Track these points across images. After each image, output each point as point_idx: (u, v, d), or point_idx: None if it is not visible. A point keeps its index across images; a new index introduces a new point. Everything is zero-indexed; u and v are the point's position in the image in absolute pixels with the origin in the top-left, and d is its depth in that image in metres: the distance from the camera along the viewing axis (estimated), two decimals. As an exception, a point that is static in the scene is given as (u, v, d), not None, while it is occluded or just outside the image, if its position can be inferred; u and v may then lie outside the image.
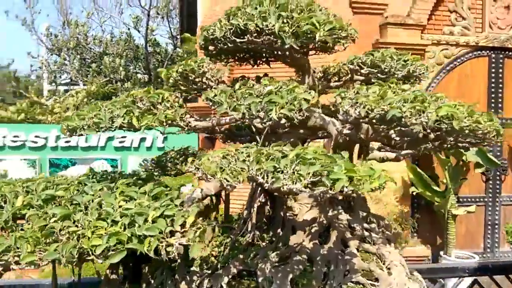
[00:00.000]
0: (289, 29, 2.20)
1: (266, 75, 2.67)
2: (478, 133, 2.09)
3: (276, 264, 2.34)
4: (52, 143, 11.16)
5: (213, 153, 1.77)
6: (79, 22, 22.31)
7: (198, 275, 2.43)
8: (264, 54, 2.81)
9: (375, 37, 9.95)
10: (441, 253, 9.16)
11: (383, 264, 2.49)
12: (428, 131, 1.96)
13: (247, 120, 2.05)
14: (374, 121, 2.26)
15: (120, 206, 1.93)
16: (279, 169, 1.56)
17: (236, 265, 2.40)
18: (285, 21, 2.20)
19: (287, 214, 2.64)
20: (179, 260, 2.47)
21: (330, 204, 2.67)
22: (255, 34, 2.22)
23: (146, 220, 1.86)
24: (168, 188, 2.14)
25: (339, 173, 1.60)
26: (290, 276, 2.27)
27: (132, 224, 1.84)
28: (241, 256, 2.46)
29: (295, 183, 1.52)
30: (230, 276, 2.36)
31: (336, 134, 2.57)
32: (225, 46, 2.52)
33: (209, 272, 2.43)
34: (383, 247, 2.56)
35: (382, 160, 2.85)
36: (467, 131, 2.03)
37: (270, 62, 2.98)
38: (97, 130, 1.99)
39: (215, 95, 2.05)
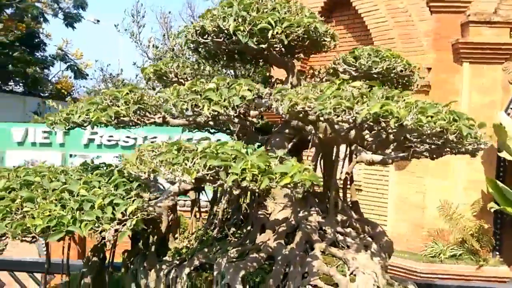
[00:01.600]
0: (245, 28, 2.25)
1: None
2: (436, 132, 1.91)
3: (234, 260, 2.37)
4: (140, 142, 12.28)
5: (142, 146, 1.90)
6: (175, 33, 24.11)
7: (167, 264, 2.58)
8: (248, 56, 2.87)
9: (455, 37, 9.19)
10: (529, 277, 8.06)
11: (348, 270, 2.37)
12: (366, 128, 1.86)
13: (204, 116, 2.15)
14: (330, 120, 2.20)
15: (78, 193, 2.16)
16: (178, 162, 1.64)
17: (200, 258, 2.49)
18: (240, 20, 2.26)
19: (260, 212, 2.66)
20: (152, 249, 2.66)
21: (303, 205, 2.62)
22: (213, 34, 2.31)
23: (93, 207, 2.06)
24: (130, 180, 2.32)
25: (236, 168, 1.62)
26: (242, 272, 2.29)
27: (81, 209, 2.06)
28: (205, 250, 2.55)
29: (184, 175, 1.58)
30: (192, 268, 2.46)
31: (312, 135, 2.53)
32: (205, 48, 2.66)
33: (177, 263, 2.55)
34: (350, 253, 2.43)
35: (369, 162, 2.72)
36: (420, 131, 1.87)
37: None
38: (66, 125, 2.26)
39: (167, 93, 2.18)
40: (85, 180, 2.27)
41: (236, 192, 1.65)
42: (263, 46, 2.62)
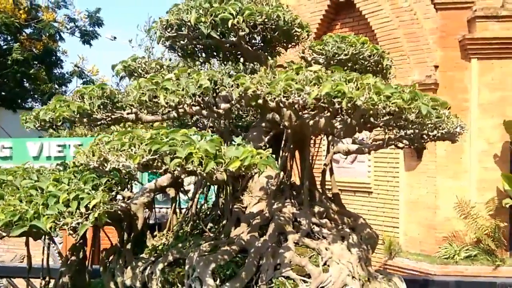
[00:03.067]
0: (206, 19, 2.26)
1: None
2: (395, 112, 1.86)
3: (206, 253, 2.35)
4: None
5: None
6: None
7: (143, 261, 2.58)
8: (223, 51, 2.87)
9: (462, 34, 9.01)
10: (550, 277, 7.70)
11: (321, 260, 2.32)
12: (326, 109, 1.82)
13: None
14: (296, 107, 2.18)
15: (46, 190, 2.18)
16: (123, 148, 1.64)
17: (174, 254, 2.48)
18: (202, 12, 2.27)
19: (235, 206, 2.63)
20: (128, 246, 2.66)
21: (279, 197, 2.59)
22: (176, 27, 2.33)
23: (57, 202, 2.07)
24: (99, 176, 2.33)
25: (181, 152, 1.61)
26: (213, 265, 2.27)
27: (46, 204, 2.08)
28: (179, 245, 2.54)
29: (128, 160, 1.57)
30: (166, 264, 2.45)
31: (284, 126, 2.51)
32: (178, 44, 2.69)
33: (153, 259, 2.55)
34: (323, 243, 2.37)
35: (345, 152, 2.68)
36: (376, 110, 1.83)
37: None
38: (35, 122, 2.30)
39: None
40: (55, 177, 2.30)
41: (183, 176, 1.63)
42: (233, 39, 2.63)
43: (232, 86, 1.92)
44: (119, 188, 2.54)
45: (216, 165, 1.62)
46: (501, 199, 8.25)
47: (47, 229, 1.98)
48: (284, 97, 1.75)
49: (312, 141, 3.15)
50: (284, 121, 2.26)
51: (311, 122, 2.28)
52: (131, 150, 1.61)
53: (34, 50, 17.68)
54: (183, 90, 1.97)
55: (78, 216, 1.99)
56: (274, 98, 1.76)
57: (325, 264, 2.31)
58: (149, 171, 3.21)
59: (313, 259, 2.33)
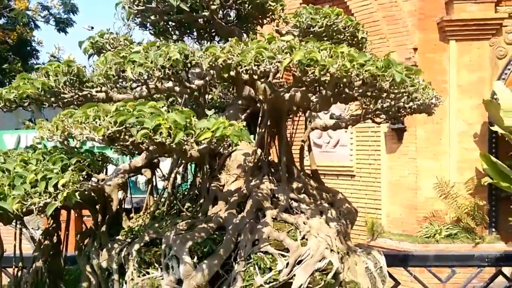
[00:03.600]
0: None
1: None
2: (368, 80, 1.83)
3: (182, 232, 2.31)
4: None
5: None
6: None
7: (120, 243, 2.52)
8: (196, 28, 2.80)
9: (440, 16, 9.07)
10: (528, 253, 7.93)
11: (299, 234, 2.30)
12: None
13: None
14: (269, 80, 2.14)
15: (13, 171, 2.10)
16: (87, 121, 1.57)
17: (150, 234, 2.43)
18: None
19: (213, 185, 2.59)
20: (103, 229, 2.60)
21: (257, 174, 2.56)
22: (144, 0, 2.25)
23: (24, 182, 2.00)
24: (68, 156, 2.26)
25: (149, 123, 1.55)
26: (189, 243, 2.22)
27: (13, 185, 2.00)
28: (156, 225, 2.49)
29: (92, 132, 1.51)
30: (142, 244, 2.40)
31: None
32: (148, 20, 2.61)
33: (129, 241, 2.49)
34: (301, 218, 2.36)
35: (323, 128, 2.65)
36: (349, 78, 1.80)
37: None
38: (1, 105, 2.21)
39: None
40: (23, 158, 2.21)
41: (151, 147, 1.57)
42: (206, 14, 2.57)
43: (202, 57, 1.86)
44: (91, 170, 2.46)
45: (186, 136, 1.57)
46: (480, 178, 8.42)
47: (14, 210, 1.91)
48: (255, 65, 1.71)
49: (290, 120, 3.12)
50: (258, 95, 2.22)
51: (286, 96, 2.24)
52: (96, 122, 1.54)
53: (8, 40, 17.15)
54: (151, 62, 1.90)
55: (46, 195, 1.92)
56: (246, 69, 1.71)
57: (303, 238, 2.29)
58: (118, 148, 3.14)
59: (291, 233, 2.31)
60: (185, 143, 1.56)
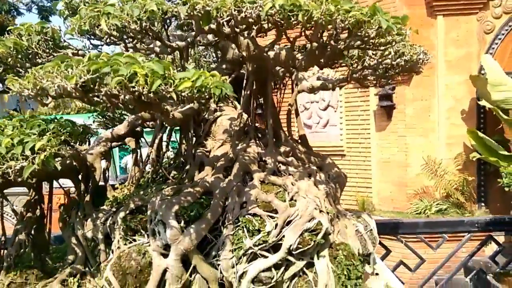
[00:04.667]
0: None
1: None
2: (353, 26, 1.76)
3: (168, 197, 2.25)
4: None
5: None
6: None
7: (104, 212, 2.46)
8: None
9: (426, -9, 8.97)
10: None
11: (288, 195, 2.26)
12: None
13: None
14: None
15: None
16: (59, 70, 1.49)
17: (135, 201, 2.37)
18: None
19: (198, 151, 2.53)
20: (87, 199, 2.53)
21: (243, 138, 2.50)
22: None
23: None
24: (47, 123, 2.18)
25: (124, 71, 1.48)
26: (176, 207, 2.17)
27: (-12, 150, 1.92)
28: (141, 193, 2.43)
29: (63, 81, 1.44)
30: (127, 212, 2.34)
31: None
32: None
33: (114, 210, 2.43)
34: (289, 179, 2.31)
35: (310, 90, 2.59)
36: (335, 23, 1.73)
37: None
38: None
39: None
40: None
41: (127, 97, 1.49)
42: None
43: (179, 4, 1.78)
44: (72, 140, 2.39)
45: (164, 85, 1.50)
46: (468, 153, 8.46)
47: (-10, 174, 1.84)
48: (235, 10, 1.63)
49: (277, 86, 3.06)
50: (242, 51, 2.15)
51: (271, 55, 2.17)
52: (68, 72, 1.46)
53: (-10, 28, 16.73)
54: (127, 15, 1.81)
55: (22, 159, 1.85)
56: (227, 21, 1.64)
57: (292, 199, 2.25)
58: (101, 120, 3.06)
59: (279, 195, 2.27)
60: (164, 92, 1.49)
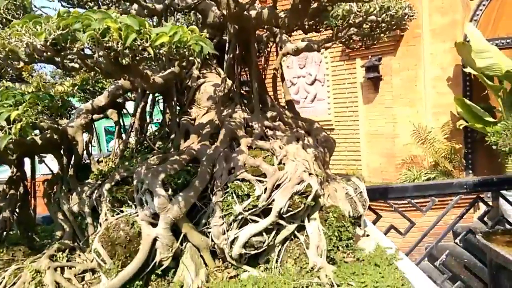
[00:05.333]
0: None
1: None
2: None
3: (154, 166, 2.20)
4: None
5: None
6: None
7: (89, 186, 2.40)
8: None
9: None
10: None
11: (276, 159, 2.22)
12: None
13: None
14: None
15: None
16: (28, 28, 1.41)
17: (120, 172, 2.31)
18: None
19: (183, 119, 2.47)
20: (70, 173, 2.47)
21: (228, 104, 2.44)
22: None
23: (-26, 117, 1.84)
24: (22, 94, 2.09)
25: (95, 24, 1.40)
26: (162, 175, 2.12)
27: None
28: (126, 163, 2.37)
29: (32, 38, 1.36)
30: (113, 183, 2.29)
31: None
32: None
33: (100, 183, 2.38)
34: (277, 143, 2.27)
35: (295, 52, 2.53)
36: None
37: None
38: None
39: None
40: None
41: (100, 53, 1.42)
42: None
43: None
44: (51, 113, 2.31)
45: (139, 40, 1.43)
46: (455, 122, 8.51)
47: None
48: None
49: (261, 54, 2.99)
50: (222, 9, 2.07)
51: (253, 13, 2.10)
52: (36, 29, 1.38)
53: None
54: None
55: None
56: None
57: (280, 162, 2.22)
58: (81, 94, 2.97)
59: (267, 159, 2.23)
60: (140, 48, 1.42)
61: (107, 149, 10.64)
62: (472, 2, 8.50)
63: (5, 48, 1.46)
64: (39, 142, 2.23)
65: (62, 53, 1.42)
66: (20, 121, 1.82)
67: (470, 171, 8.61)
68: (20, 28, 1.41)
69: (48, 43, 1.36)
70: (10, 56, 1.47)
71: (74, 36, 1.38)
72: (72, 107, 2.62)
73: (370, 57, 8.68)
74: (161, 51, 1.52)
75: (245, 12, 2.11)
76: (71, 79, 3.49)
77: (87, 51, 1.58)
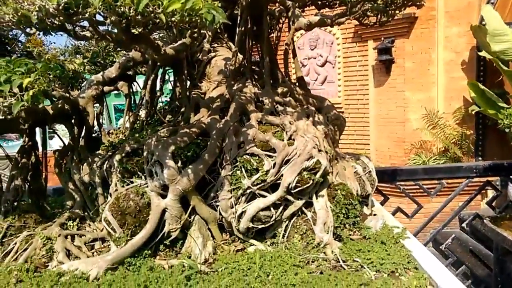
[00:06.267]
0: None
1: None
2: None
3: (164, 138, 2.21)
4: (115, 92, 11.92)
5: None
6: None
7: (100, 157, 2.43)
8: None
9: None
10: (513, 178, 8.09)
11: (286, 134, 2.22)
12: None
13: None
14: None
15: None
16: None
17: (131, 144, 2.33)
18: None
19: (193, 93, 2.46)
20: (81, 143, 2.49)
21: (239, 78, 2.43)
22: None
23: (-13, 84, 1.85)
24: (34, 61, 2.10)
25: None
26: (172, 147, 2.13)
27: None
28: (136, 135, 2.38)
29: (45, 2, 1.35)
30: (123, 154, 2.31)
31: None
32: None
33: (110, 154, 2.40)
34: (287, 118, 2.26)
35: (307, 27, 2.50)
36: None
37: None
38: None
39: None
40: (-14, 64, 2.05)
41: (112, 18, 1.41)
42: None
43: None
44: (63, 83, 2.31)
45: (151, 6, 1.42)
46: (467, 107, 8.39)
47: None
48: None
49: (273, 29, 2.96)
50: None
51: (266, -14, 2.06)
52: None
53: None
54: None
55: (10, 96, 1.79)
56: None
57: (290, 138, 2.21)
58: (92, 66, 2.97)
59: (277, 134, 2.23)
60: (152, 14, 1.41)
61: (117, 126, 10.71)
62: (490, -16, 8.27)
63: (18, 13, 1.46)
64: (51, 111, 2.25)
65: (74, 18, 1.41)
66: (32, 88, 1.83)
67: (480, 158, 8.52)
68: (34, -8, 1.40)
69: (60, 7, 1.35)
70: (22, 21, 1.47)
71: (86, 1, 1.37)
72: (83, 79, 2.63)
73: (383, 39, 8.53)
74: (172, 19, 1.51)
75: (258, -16, 2.07)
76: (81, 57, 3.50)
77: (98, 18, 1.58)
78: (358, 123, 9.44)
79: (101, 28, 1.76)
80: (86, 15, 1.37)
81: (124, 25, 1.50)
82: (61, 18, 1.38)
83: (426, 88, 8.59)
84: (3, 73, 1.93)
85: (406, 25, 8.15)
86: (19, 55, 18.30)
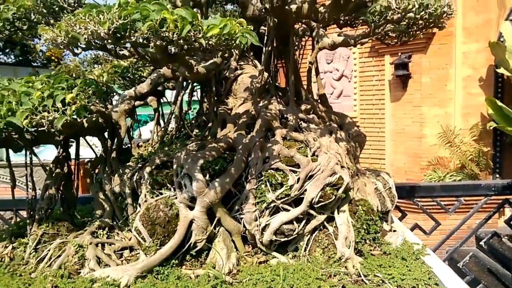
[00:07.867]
0: None
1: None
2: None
3: (193, 152, 2.30)
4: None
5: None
6: None
7: (131, 168, 2.53)
8: None
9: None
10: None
11: (310, 150, 2.29)
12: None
13: None
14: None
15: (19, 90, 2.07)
16: (90, 17, 1.52)
17: (160, 157, 2.43)
18: None
19: (220, 108, 2.56)
20: (113, 155, 2.60)
21: (264, 95, 2.52)
22: None
23: (31, 99, 1.97)
24: (73, 77, 2.23)
25: (154, 16, 1.50)
26: (201, 161, 2.22)
27: (19, 102, 1.98)
28: (166, 148, 2.48)
29: (97, 26, 1.46)
30: (153, 167, 2.41)
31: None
32: None
33: (140, 166, 2.50)
34: (311, 135, 2.34)
35: (331, 46, 2.59)
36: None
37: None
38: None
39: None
40: (28, 80, 2.18)
41: (156, 42, 1.52)
42: None
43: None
44: (96, 97, 2.43)
45: (193, 31, 1.52)
46: (485, 123, 8.35)
47: (23, 125, 1.90)
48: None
49: (297, 47, 3.05)
50: (264, 3, 2.14)
51: (293, 7, 2.16)
52: (100, 18, 1.49)
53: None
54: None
55: (54, 110, 1.90)
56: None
57: (313, 154, 2.29)
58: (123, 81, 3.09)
59: (301, 150, 2.30)
60: (193, 38, 1.51)
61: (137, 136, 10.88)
62: (508, 0, 8.29)
63: (68, 35, 1.58)
64: (86, 124, 2.36)
65: (122, 41, 1.52)
66: (74, 103, 1.95)
67: (497, 175, 8.44)
68: (84, 17, 1.51)
69: (110, 32, 1.46)
70: (71, 41, 1.58)
71: (133, 26, 1.48)
72: (114, 93, 2.75)
73: (399, 54, 8.59)
74: (210, 42, 1.61)
75: (286, 6, 2.17)
76: (100, 67, 3.64)
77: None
78: (374, 137, 9.45)
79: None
80: (133, 39, 1.48)
81: (163, 47, 1.61)
82: (109, 41, 1.50)
83: (443, 104, 8.59)
84: (46, 88, 2.06)
85: (424, 41, 8.20)
86: (39, 64, 18.87)
